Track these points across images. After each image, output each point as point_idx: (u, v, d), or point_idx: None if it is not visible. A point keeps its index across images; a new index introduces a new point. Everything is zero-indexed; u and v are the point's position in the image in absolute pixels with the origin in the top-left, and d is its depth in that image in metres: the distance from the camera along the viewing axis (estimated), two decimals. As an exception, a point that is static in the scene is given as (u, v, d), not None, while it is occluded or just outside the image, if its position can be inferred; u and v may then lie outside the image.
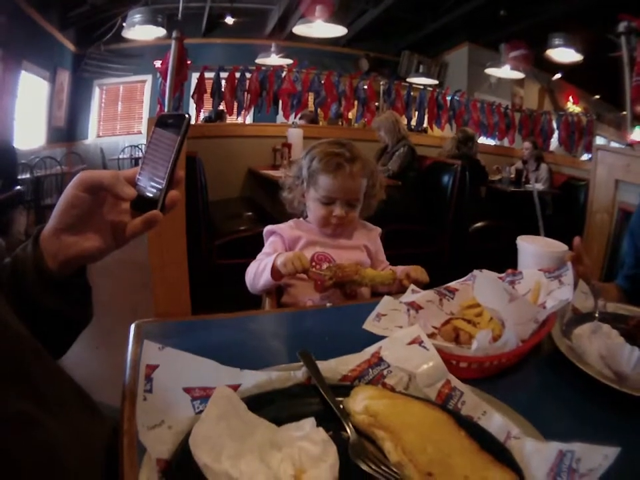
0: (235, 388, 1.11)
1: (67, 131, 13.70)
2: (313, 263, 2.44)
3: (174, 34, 5.42)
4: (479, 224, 7.12)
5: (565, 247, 1.88)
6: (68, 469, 0.89)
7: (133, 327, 1.55)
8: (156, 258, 4.85)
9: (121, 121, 15.25)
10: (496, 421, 1.06)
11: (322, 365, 1.22)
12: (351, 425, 1.05)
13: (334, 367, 1.22)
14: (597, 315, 1.63)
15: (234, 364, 1.19)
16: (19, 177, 8.71)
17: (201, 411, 1.02)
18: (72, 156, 12.90)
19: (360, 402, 1.08)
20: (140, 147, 13.94)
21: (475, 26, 13.15)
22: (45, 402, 0.91)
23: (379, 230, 2.74)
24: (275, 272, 2.25)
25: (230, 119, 10.04)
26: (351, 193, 2.47)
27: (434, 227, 6.85)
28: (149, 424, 0.98)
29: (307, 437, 0.97)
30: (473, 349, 1.37)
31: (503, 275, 1.84)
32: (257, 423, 1.01)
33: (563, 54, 8.89)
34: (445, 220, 6.80)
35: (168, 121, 1.13)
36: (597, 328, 1.49)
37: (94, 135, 14.68)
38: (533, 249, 1.88)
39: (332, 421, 1.07)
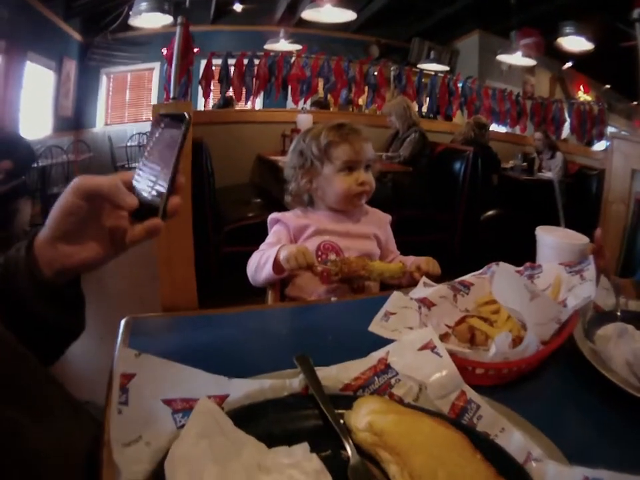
0: (223, 398, 1.01)
1: (74, 120, 13.70)
2: (319, 253, 2.37)
3: (179, 19, 5.39)
4: (490, 212, 7.06)
5: (586, 239, 1.77)
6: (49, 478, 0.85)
7: (122, 323, 1.46)
8: (163, 250, 4.82)
9: (129, 109, 15.19)
10: (515, 440, 0.95)
11: (321, 372, 1.10)
12: (352, 443, 0.94)
13: (335, 375, 1.10)
14: (619, 314, 1.53)
15: (224, 368, 1.09)
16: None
17: (184, 425, 0.91)
18: (79, 144, 12.91)
19: (363, 417, 0.96)
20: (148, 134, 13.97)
21: (485, 13, 13.04)
22: (31, 409, 0.88)
23: (389, 218, 2.65)
24: (277, 266, 2.17)
25: (240, 106, 9.93)
26: (368, 155, 2.43)
27: (445, 214, 6.80)
28: (124, 440, 0.87)
29: (298, 466, 0.85)
30: (490, 354, 1.24)
31: (521, 268, 1.73)
32: (245, 442, 0.89)
33: (574, 42, 8.80)
34: (456, 207, 6.76)
35: (167, 120, 1.08)
36: (622, 331, 1.38)
37: (102, 123, 14.62)
38: (552, 241, 1.77)
39: (331, 437, 0.96)
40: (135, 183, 1.07)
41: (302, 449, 0.89)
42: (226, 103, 9.61)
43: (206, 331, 1.56)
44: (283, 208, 2.61)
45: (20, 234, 6.79)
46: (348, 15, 8.04)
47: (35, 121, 11.60)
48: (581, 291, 1.51)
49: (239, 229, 5.52)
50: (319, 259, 2.34)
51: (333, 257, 2.33)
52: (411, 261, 2.35)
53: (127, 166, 12.80)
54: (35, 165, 8.84)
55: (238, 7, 13.62)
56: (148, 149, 1.08)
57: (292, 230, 2.43)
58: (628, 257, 3.66)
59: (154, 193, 1.04)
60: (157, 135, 1.08)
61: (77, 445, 0.96)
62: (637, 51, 4.60)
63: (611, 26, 7.89)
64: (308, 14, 8.14)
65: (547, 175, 7.86)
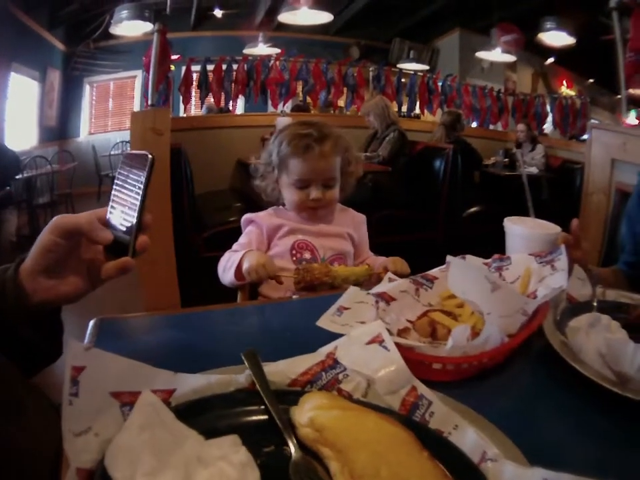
0: (170, 393, 1.00)
1: (58, 130, 13.76)
2: (294, 252, 2.36)
3: (155, 26, 5.36)
4: (472, 209, 7.06)
5: (557, 229, 1.72)
6: (24, 476, 0.88)
7: (91, 323, 1.49)
8: (143, 254, 4.76)
9: (113, 117, 15.26)
10: (469, 438, 0.90)
11: (268, 368, 1.08)
12: (294, 439, 0.91)
13: (282, 370, 1.08)
14: (595, 304, 1.48)
15: (181, 366, 1.08)
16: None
17: (132, 418, 0.91)
18: (63, 154, 12.86)
19: (306, 412, 0.93)
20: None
21: (466, 11, 13.12)
22: (2, 408, 0.91)
23: (364, 217, 2.63)
24: (239, 273, 2.17)
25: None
26: (324, 173, 2.36)
27: (426, 212, 6.79)
28: (74, 430, 0.87)
29: (225, 458, 0.83)
30: (447, 347, 1.20)
31: (489, 260, 1.69)
32: (186, 435, 0.88)
33: (555, 37, 8.82)
34: (437, 205, 6.75)
35: (133, 160, 1.09)
36: (595, 320, 1.32)
37: (86, 132, 14.69)
38: (522, 231, 1.74)
39: (276, 433, 0.94)
40: (108, 217, 1.10)
41: (230, 440, 0.87)
42: (220, 110, 9.61)
43: (167, 331, 1.58)
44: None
45: (6, 245, 6.80)
46: (324, 17, 8.03)
47: (21, 131, 11.66)
48: (552, 282, 1.46)
49: (219, 233, 5.50)
50: (294, 258, 2.34)
51: (307, 255, 2.34)
52: (379, 262, 2.33)
53: (110, 174, 12.87)
54: (20, 176, 8.84)
55: (218, 13, 13.70)
56: (117, 186, 1.10)
57: (265, 230, 2.41)
58: (610, 248, 3.66)
59: (124, 230, 1.07)
60: (124, 173, 1.10)
61: (51, 442, 0.95)
62: (616, 43, 4.62)
63: (592, 19, 7.92)
64: (284, 17, 8.12)
65: (529, 169, 7.86)
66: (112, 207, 1.10)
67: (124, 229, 1.07)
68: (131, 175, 1.08)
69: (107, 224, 1.10)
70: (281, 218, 2.45)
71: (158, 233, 4.77)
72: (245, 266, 2.09)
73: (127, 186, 1.08)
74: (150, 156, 1.05)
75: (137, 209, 1.05)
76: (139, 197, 1.05)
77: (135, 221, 1.05)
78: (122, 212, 1.08)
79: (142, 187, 1.05)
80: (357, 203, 2.62)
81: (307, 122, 2.44)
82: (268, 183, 2.51)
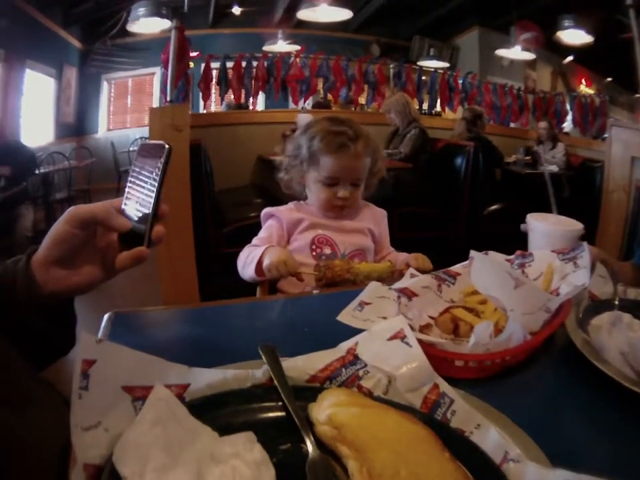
0: (184, 388, 0.98)
1: (76, 126, 13.83)
2: (314, 246, 2.36)
3: (173, 23, 5.38)
4: (493, 207, 7.01)
5: (579, 225, 1.72)
6: (31, 471, 0.85)
7: (105, 317, 1.49)
8: (162, 250, 4.80)
9: (131, 114, 15.30)
10: (492, 438, 0.88)
11: (287, 363, 1.06)
12: (312, 437, 0.89)
13: (300, 366, 1.06)
14: (616, 302, 1.45)
15: (197, 360, 1.06)
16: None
17: (144, 413, 0.89)
18: (81, 150, 12.98)
19: (324, 409, 0.91)
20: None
21: (484, 9, 13.06)
22: (9, 399, 0.88)
23: (385, 213, 2.62)
24: (260, 269, 2.16)
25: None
26: (355, 173, 2.36)
27: (448, 210, 6.77)
28: (83, 424, 0.85)
29: (239, 456, 0.81)
30: (470, 344, 1.17)
31: (511, 257, 1.67)
32: (199, 431, 0.87)
33: (574, 36, 8.80)
34: (458, 203, 6.73)
35: (149, 150, 1.09)
36: (617, 319, 1.29)
37: (104, 128, 14.75)
38: (544, 228, 1.72)
39: (293, 430, 0.92)
40: (123, 207, 1.10)
41: (244, 437, 0.85)
42: (239, 106, 9.61)
43: (183, 326, 1.60)
44: (284, 206, 2.59)
45: (22, 240, 6.84)
46: (344, 14, 8.04)
47: (37, 128, 11.72)
48: (574, 279, 1.45)
49: (239, 229, 5.50)
50: (313, 252, 2.34)
51: (327, 250, 2.33)
52: (402, 259, 2.31)
53: (129, 170, 12.86)
54: (37, 172, 8.87)
55: (237, 10, 13.67)
56: (132, 177, 1.10)
57: (286, 224, 2.41)
58: (630, 245, 3.64)
59: (140, 220, 1.07)
60: (140, 164, 1.09)
61: (61, 438, 0.93)
62: (634, 41, 4.58)
63: (609, 17, 7.86)
64: (304, 14, 8.15)
65: (550, 167, 7.81)
66: (127, 197, 1.10)
67: (140, 219, 1.06)
68: (147, 165, 1.07)
69: (122, 214, 1.09)
70: (302, 212, 2.44)
71: (178, 228, 4.82)
72: (266, 262, 2.08)
73: (142, 176, 1.07)
74: (167, 146, 1.05)
75: (153, 198, 1.04)
76: (155, 187, 1.04)
77: (150, 210, 1.04)
78: (137, 202, 1.07)
79: (158, 176, 1.04)
80: (378, 199, 2.62)
81: (337, 118, 2.43)
82: (292, 176, 2.49)
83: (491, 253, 1.64)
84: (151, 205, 1.04)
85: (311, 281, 2.11)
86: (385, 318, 1.27)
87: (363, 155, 2.35)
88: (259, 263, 2.15)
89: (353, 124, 2.39)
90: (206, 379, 1.01)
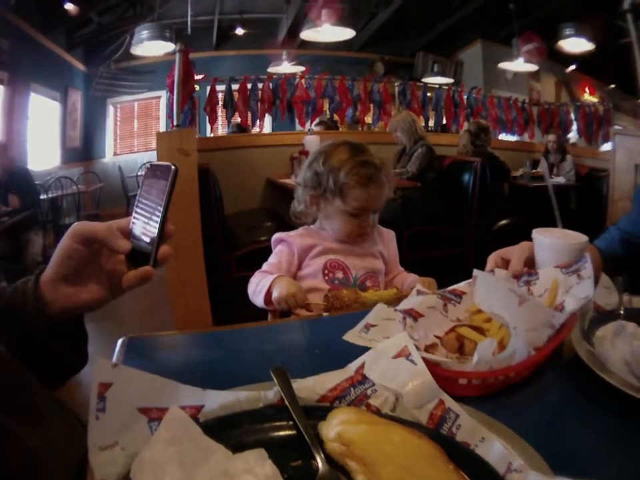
0: (198, 409, 1.01)
1: (83, 151, 13.88)
2: (326, 271, 2.37)
3: (177, 46, 5.41)
4: (503, 222, 7.01)
5: (584, 238, 1.71)
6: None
7: (119, 342, 1.51)
8: (173, 276, 4.83)
9: (138, 138, 15.30)
10: (496, 450, 0.90)
11: (297, 384, 1.09)
12: (322, 454, 0.92)
13: (311, 386, 1.09)
14: (621, 312, 1.47)
15: (210, 383, 1.09)
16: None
17: (159, 433, 0.92)
18: (89, 175, 13.06)
19: (334, 427, 0.94)
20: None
21: (485, 22, 13.11)
22: (17, 412, 0.91)
23: (393, 234, 2.63)
24: (268, 299, 2.19)
25: (254, 130, 9.93)
26: (381, 202, 2.39)
27: (457, 227, 6.74)
28: (100, 444, 0.89)
29: (251, 471, 0.84)
30: (473, 362, 1.19)
31: (517, 274, 1.69)
32: (213, 449, 0.89)
33: (575, 44, 8.87)
34: (467, 219, 6.69)
35: (156, 172, 1.11)
36: (620, 328, 1.31)
37: (111, 153, 14.77)
38: (549, 242, 1.74)
39: (304, 448, 0.94)
40: (131, 227, 1.12)
41: (256, 454, 0.88)
42: (240, 129, 9.61)
43: (196, 349, 1.63)
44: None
45: (32, 265, 6.87)
46: (347, 33, 8.07)
47: (43, 152, 11.74)
48: (578, 291, 1.45)
49: (250, 253, 5.49)
50: (326, 277, 2.35)
51: (339, 274, 2.34)
52: (410, 280, 2.35)
53: (138, 196, 12.87)
54: (45, 196, 8.90)
55: (240, 31, 13.72)
56: (140, 197, 1.12)
57: (297, 250, 2.41)
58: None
59: (147, 240, 1.09)
60: (147, 185, 1.11)
61: (70, 448, 0.98)
62: (633, 45, 4.59)
63: (609, 23, 7.88)
64: (307, 34, 8.18)
65: (557, 179, 7.82)
66: (135, 217, 1.12)
67: (146, 238, 1.09)
68: (154, 186, 1.09)
69: (129, 233, 1.12)
70: (313, 238, 2.45)
71: (189, 253, 4.85)
72: (275, 295, 2.11)
73: (150, 196, 1.10)
74: (173, 167, 1.07)
75: (160, 219, 1.07)
76: (162, 207, 1.07)
77: (156, 230, 1.07)
78: (144, 221, 1.10)
79: (165, 197, 1.07)
80: (387, 220, 2.62)
81: (354, 146, 2.42)
82: (309, 210, 2.49)
83: (497, 270, 1.66)
84: (157, 225, 1.07)
85: (320, 311, 2.12)
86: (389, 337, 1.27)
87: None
88: (268, 292, 2.17)
89: (368, 150, 2.40)
90: (219, 401, 1.04)
